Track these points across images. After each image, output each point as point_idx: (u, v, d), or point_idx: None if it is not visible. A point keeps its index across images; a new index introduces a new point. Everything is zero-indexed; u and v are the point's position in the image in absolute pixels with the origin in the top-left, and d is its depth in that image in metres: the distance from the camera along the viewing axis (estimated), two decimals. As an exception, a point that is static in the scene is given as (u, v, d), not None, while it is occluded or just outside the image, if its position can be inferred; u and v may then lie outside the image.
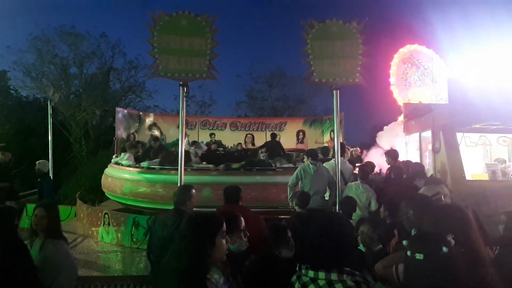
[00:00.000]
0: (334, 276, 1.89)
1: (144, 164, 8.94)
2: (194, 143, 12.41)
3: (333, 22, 5.76)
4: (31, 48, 22.84)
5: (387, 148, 8.67)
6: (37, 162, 8.21)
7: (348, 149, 10.02)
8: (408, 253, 1.89)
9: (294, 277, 2.07)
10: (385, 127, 10.54)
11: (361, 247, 3.15)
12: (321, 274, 1.92)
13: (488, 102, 6.60)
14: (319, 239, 2.00)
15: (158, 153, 9.35)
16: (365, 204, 6.03)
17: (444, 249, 1.83)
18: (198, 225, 2.04)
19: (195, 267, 1.90)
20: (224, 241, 2.07)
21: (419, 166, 6.34)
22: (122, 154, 9.79)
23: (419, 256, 1.85)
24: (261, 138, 14.66)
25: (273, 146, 10.91)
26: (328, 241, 1.96)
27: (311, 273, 1.96)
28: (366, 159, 9.08)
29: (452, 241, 1.92)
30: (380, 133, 10.29)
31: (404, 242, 2.01)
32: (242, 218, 2.99)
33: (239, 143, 13.40)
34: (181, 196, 4.12)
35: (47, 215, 3.53)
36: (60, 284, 3.30)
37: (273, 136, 12.10)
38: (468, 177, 6.79)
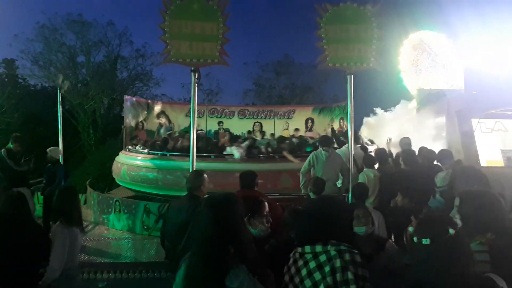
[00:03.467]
0: (318, 248, 1.94)
1: None
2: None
3: (347, 5, 5.63)
4: (39, 36, 22.82)
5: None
6: (48, 150, 8.08)
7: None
8: (415, 239, 1.84)
9: (292, 253, 2.12)
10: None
11: (357, 230, 3.12)
12: (307, 248, 1.98)
13: (504, 87, 6.48)
14: (307, 217, 2.15)
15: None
16: None
17: (451, 231, 1.78)
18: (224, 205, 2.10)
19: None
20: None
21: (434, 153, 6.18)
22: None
23: (425, 241, 1.79)
24: (269, 126, 14.60)
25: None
26: (314, 219, 2.07)
27: (300, 248, 2.03)
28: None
29: (459, 223, 1.88)
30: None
31: (410, 229, 1.97)
32: (266, 204, 2.97)
33: (249, 131, 13.34)
34: (195, 181, 4.09)
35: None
36: (50, 265, 3.52)
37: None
38: (483, 163, 6.69)
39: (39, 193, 9.74)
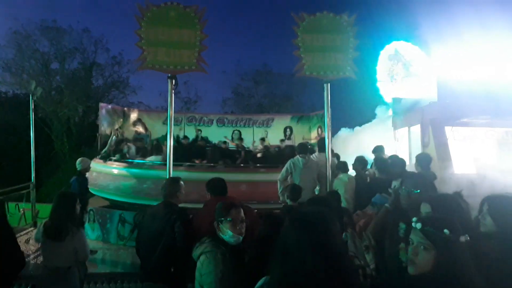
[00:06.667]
0: None
1: None
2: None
3: (324, 15, 5.70)
4: (11, 42, 22.32)
5: None
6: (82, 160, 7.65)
7: None
8: (446, 231, 1.82)
9: None
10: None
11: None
12: None
13: (476, 96, 6.68)
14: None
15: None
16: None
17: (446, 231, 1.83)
18: None
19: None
20: None
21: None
22: None
23: (464, 238, 1.82)
24: (248, 134, 14.56)
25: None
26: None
27: None
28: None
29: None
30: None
31: (418, 225, 1.94)
32: (239, 210, 2.82)
33: (225, 137, 13.24)
34: (171, 187, 3.99)
35: None
36: None
37: None
38: (457, 170, 6.84)
39: (9, 204, 9.42)
